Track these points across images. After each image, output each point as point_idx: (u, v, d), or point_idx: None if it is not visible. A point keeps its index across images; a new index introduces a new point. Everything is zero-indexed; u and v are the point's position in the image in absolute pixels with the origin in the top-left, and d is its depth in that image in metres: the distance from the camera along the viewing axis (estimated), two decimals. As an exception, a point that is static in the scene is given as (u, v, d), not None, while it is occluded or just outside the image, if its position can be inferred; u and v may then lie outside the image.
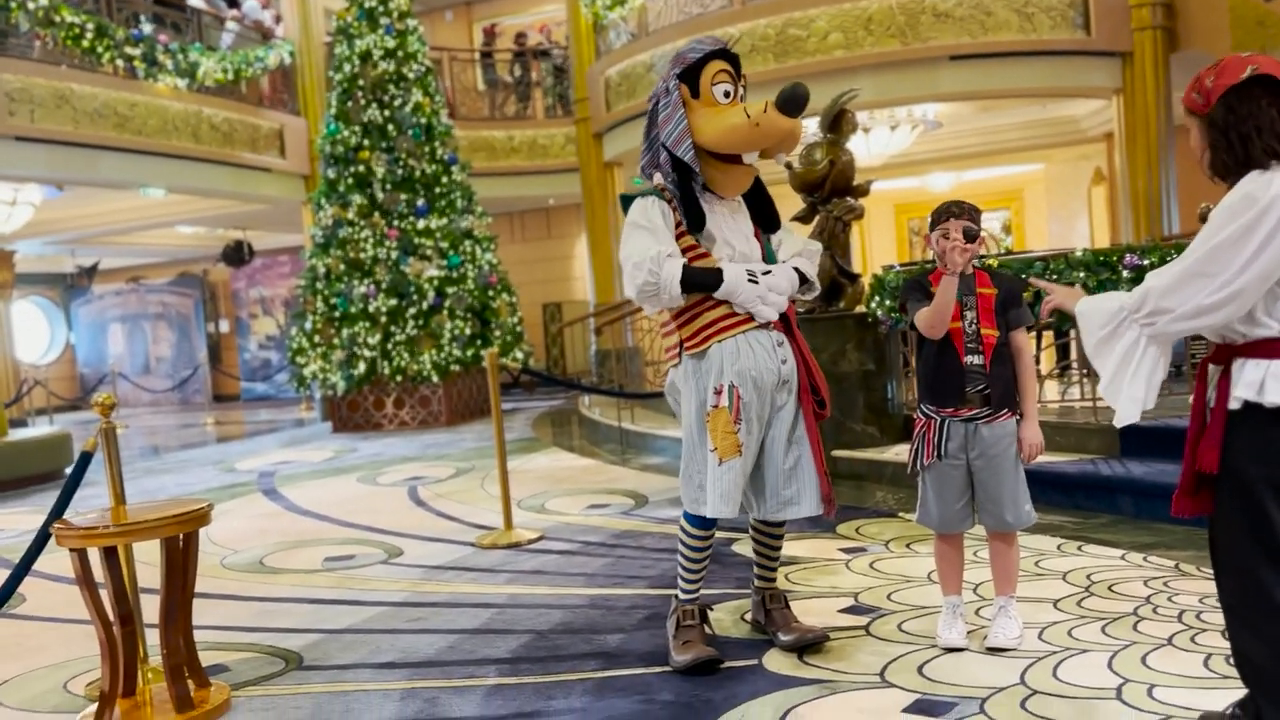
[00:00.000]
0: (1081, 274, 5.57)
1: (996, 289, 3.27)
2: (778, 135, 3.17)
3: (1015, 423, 3.28)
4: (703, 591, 3.49)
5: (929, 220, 3.28)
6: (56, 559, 4.60)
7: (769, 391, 3.26)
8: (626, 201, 3.32)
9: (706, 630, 3.41)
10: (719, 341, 3.23)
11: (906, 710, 2.83)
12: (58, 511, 3.34)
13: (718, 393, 3.20)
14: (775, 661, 3.29)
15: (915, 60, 10.61)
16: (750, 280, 3.20)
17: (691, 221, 3.23)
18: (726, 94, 3.21)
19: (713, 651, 3.26)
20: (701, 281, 3.19)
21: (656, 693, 3.10)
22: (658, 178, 3.33)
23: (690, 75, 3.23)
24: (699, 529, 3.34)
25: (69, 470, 3.57)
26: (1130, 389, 2.35)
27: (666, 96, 3.25)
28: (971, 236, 3.15)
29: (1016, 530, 3.33)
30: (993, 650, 3.20)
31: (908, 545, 4.66)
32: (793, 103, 3.10)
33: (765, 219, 3.39)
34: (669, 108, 3.24)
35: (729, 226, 3.29)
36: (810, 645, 3.35)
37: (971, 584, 3.78)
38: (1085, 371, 6.60)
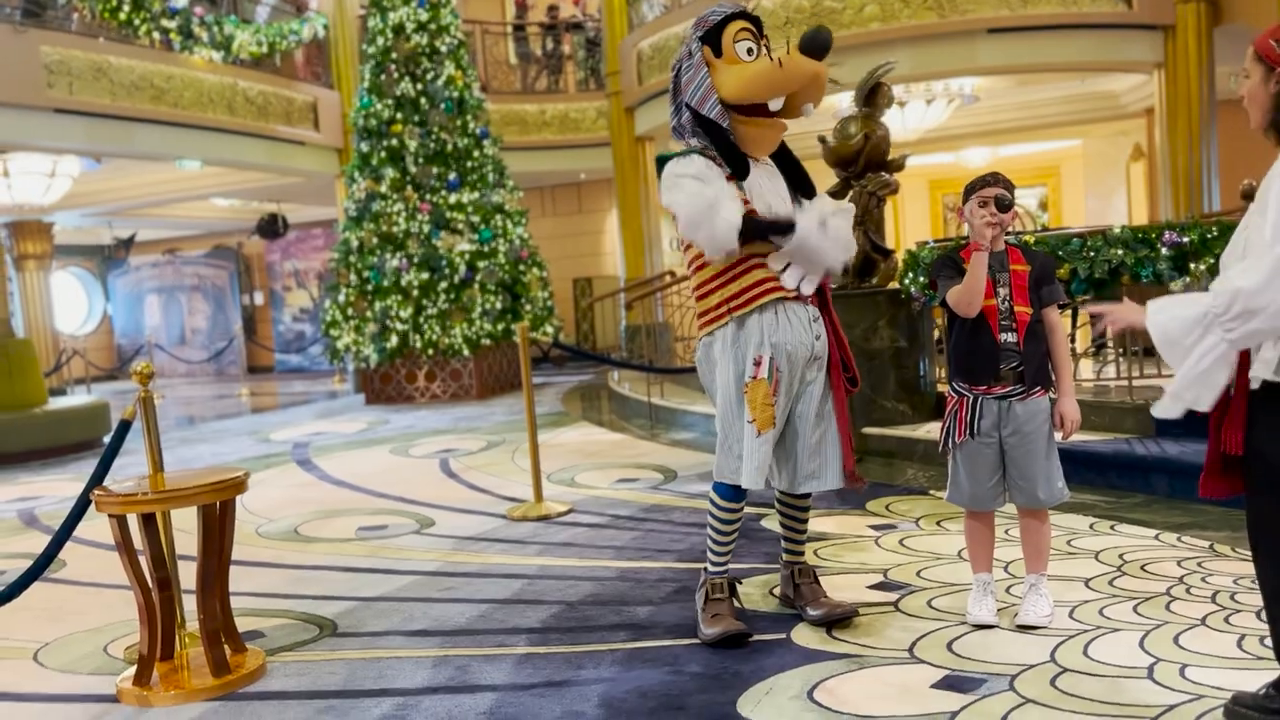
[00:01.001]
0: (1120, 251, 5.50)
1: (1030, 265, 3.25)
2: (802, 77, 3.12)
3: (1049, 399, 3.26)
4: (732, 565, 3.50)
5: (963, 192, 3.25)
6: (96, 525, 4.68)
7: (800, 366, 3.26)
8: (662, 162, 3.27)
9: (735, 604, 3.43)
10: (759, 311, 3.21)
11: (935, 686, 2.83)
12: (98, 478, 3.40)
13: (757, 364, 3.20)
14: (804, 636, 3.29)
15: (952, 33, 10.46)
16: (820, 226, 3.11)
17: (736, 169, 3.18)
18: (750, 51, 3.18)
19: (741, 625, 3.27)
20: (769, 229, 3.08)
21: (685, 664, 3.12)
22: (694, 143, 3.29)
23: (713, 37, 3.21)
24: (729, 501, 3.34)
25: (106, 439, 3.62)
26: (1189, 391, 2.25)
27: (689, 59, 3.25)
28: (1005, 206, 3.13)
29: (1049, 507, 3.31)
30: (1023, 628, 3.19)
31: (938, 523, 4.64)
32: (814, 44, 3.07)
33: (800, 184, 3.34)
34: (691, 69, 3.23)
35: (767, 187, 3.24)
36: (839, 620, 3.35)
37: (1002, 562, 3.76)
38: (1120, 350, 6.52)
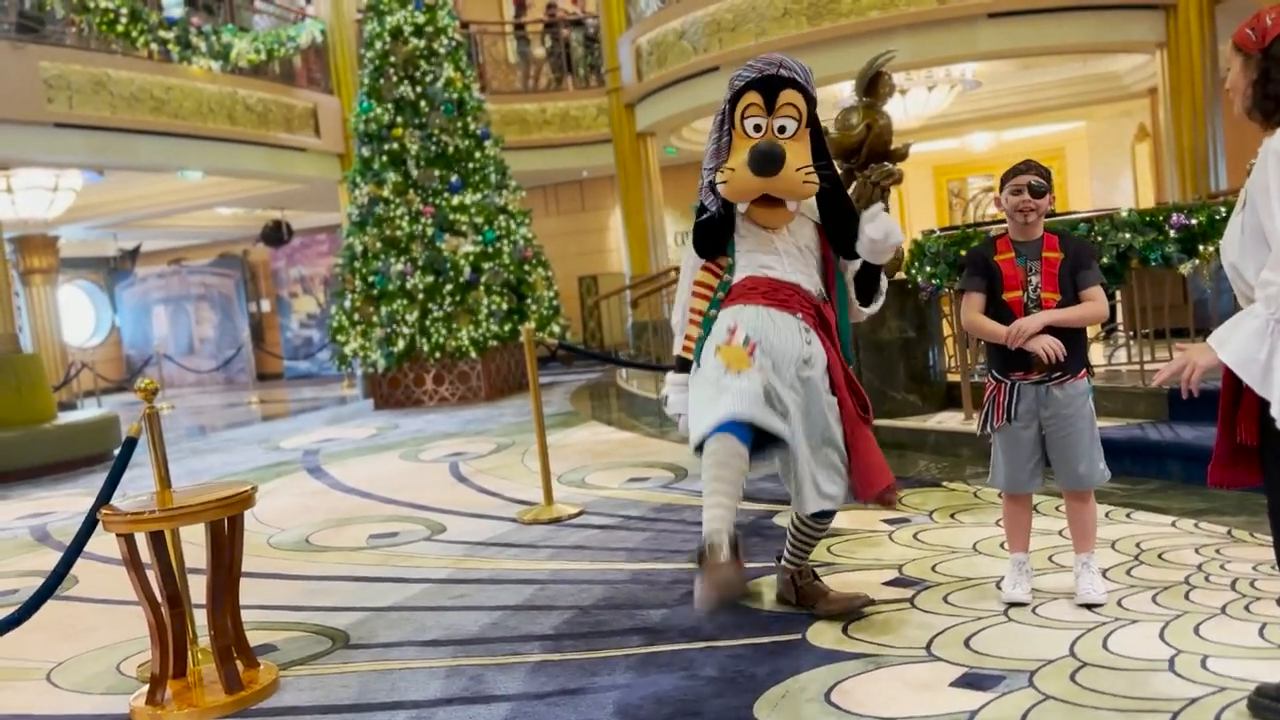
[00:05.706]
0: (1128, 235, 5.45)
1: (1063, 253, 3.28)
2: (744, 192, 3.16)
3: (1087, 381, 3.30)
4: (749, 564, 3.50)
5: (999, 181, 3.33)
6: (106, 541, 4.67)
7: (789, 365, 3.10)
8: (698, 213, 3.38)
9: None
10: (736, 308, 3.19)
11: (954, 684, 2.80)
12: (105, 496, 3.38)
13: (731, 331, 3.10)
14: (820, 636, 3.26)
15: (952, 19, 10.39)
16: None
17: (722, 238, 3.31)
18: (757, 128, 3.17)
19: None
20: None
21: (700, 669, 3.09)
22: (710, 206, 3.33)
23: (733, 105, 3.21)
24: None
25: (117, 452, 3.61)
26: None
27: (715, 120, 3.29)
28: (1039, 192, 3.21)
29: (1090, 487, 3.33)
30: (1084, 607, 3.22)
31: (952, 515, 4.60)
32: (757, 163, 3.08)
33: (841, 242, 3.28)
34: (714, 134, 3.29)
35: (781, 248, 3.25)
36: (858, 610, 3.35)
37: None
38: (1132, 334, 6.47)
